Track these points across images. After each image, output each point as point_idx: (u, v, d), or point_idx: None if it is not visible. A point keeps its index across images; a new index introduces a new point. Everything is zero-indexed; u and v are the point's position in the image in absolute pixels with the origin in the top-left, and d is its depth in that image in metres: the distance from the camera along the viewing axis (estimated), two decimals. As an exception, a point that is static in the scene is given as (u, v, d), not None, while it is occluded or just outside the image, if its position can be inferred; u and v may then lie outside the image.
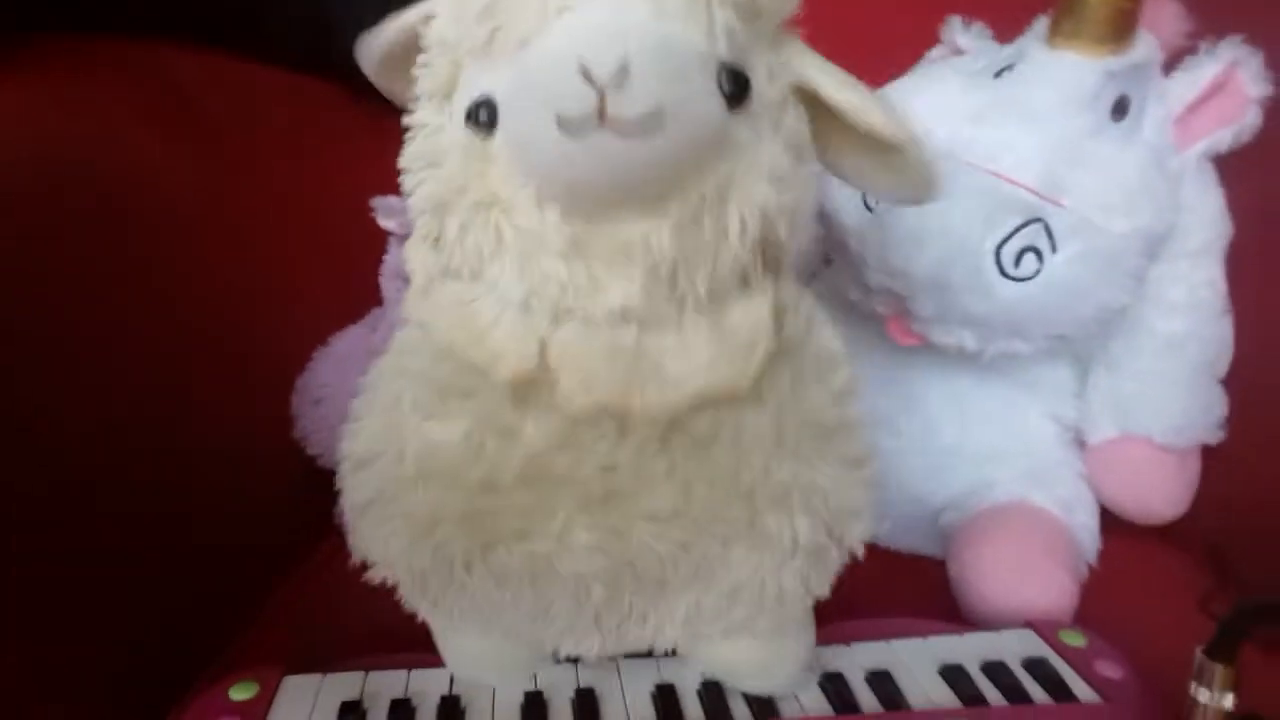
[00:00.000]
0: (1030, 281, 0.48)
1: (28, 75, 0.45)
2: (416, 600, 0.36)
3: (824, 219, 0.52)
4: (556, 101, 0.25)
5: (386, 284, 0.61)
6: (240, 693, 0.37)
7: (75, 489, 0.40)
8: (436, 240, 0.30)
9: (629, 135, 0.25)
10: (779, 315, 0.30)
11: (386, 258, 0.61)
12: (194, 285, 0.51)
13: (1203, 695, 0.33)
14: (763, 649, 0.37)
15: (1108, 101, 0.48)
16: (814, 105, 0.31)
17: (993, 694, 0.38)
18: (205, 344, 0.51)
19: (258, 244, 0.58)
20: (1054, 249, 0.47)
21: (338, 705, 0.36)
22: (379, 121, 0.67)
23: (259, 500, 0.54)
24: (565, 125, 0.25)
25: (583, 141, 0.25)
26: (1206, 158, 0.52)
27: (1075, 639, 0.41)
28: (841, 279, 0.54)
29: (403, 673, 0.39)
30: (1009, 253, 0.47)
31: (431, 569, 0.33)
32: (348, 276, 0.63)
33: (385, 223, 0.58)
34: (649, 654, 0.38)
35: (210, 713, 0.36)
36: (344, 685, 0.38)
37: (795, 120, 0.30)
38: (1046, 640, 0.42)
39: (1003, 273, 0.48)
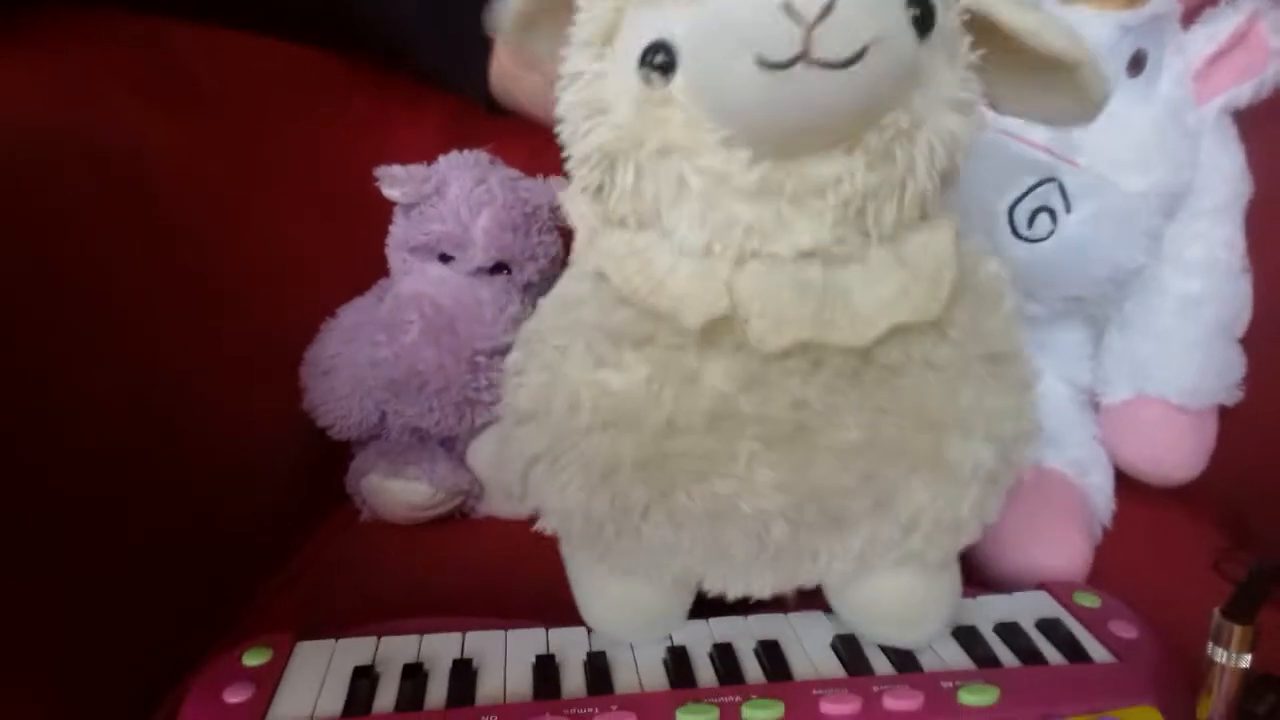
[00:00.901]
0: (1044, 242, 0.47)
1: (25, 49, 0.45)
2: (585, 550, 0.37)
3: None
4: (759, 41, 0.25)
5: (393, 255, 0.61)
6: (253, 658, 0.37)
7: (86, 464, 0.40)
8: (599, 190, 0.30)
9: (833, 70, 0.25)
10: (957, 243, 0.31)
11: (392, 228, 0.60)
12: (198, 260, 0.51)
13: (1220, 655, 0.33)
14: (919, 589, 0.37)
15: (1124, 56, 0.47)
16: (978, 30, 0.30)
17: (1006, 655, 0.38)
18: (211, 318, 0.51)
19: (262, 217, 0.58)
20: (1068, 209, 0.46)
21: (351, 669, 0.36)
22: (381, 91, 0.68)
23: (269, 472, 0.55)
24: (768, 64, 0.25)
25: (786, 80, 0.25)
26: (1226, 113, 0.51)
27: (1089, 600, 0.41)
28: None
29: (415, 638, 0.39)
30: (1022, 213, 0.47)
31: (609, 516, 0.34)
32: (354, 248, 0.63)
33: (390, 192, 0.57)
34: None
35: (224, 678, 0.36)
36: (357, 650, 0.38)
37: (968, 47, 0.30)
38: (1060, 601, 0.41)
39: (1016, 233, 0.47)
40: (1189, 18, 0.50)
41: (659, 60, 0.28)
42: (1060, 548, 0.46)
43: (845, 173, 0.28)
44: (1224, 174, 0.52)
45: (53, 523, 0.38)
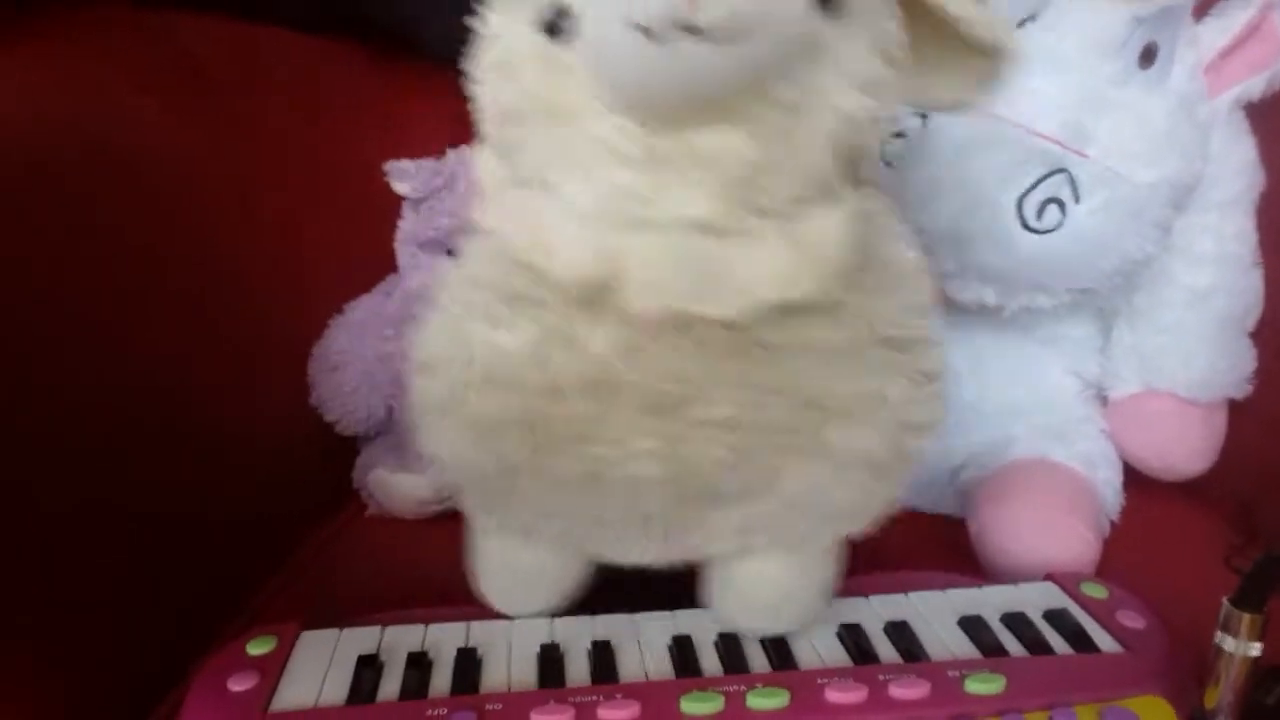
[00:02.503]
0: (1053, 234, 0.47)
1: (30, 41, 0.45)
2: (474, 505, 0.37)
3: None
4: (636, 8, 0.24)
5: (401, 250, 0.61)
6: (257, 647, 0.37)
7: (92, 459, 0.40)
8: (505, 151, 0.31)
9: (712, 42, 0.25)
10: (858, 225, 0.30)
11: (401, 223, 0.61)
12: (205, 255, 0.51)
13: (1228, 644, 0.33)
14: (788, 577, 0.37)
15: (1135, 49, 0.47)
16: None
17: (1013, 645, 0.38)
18: (219, 313, 0.51)
19: (270, 212, 0.58)
20: (1077, 200, 0.46)
21: (355, 658, 0.36)
22: (391, 83, 0.68)
23: (277, 466, 0.55)
24: (645, 32, 0.24)
25: (663, 49, 0.25)
26: (1238, 105, 0.51)
27: (1097, 591, 0.41)
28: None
29: (419, 627, 0.39)
30: (1031, 205, 0.47)
31: (493, 472, 0.34)
32: (362, 243, 0.63)
33: (399, 187, 0.58)
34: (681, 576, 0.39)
35: (228, 667, 0.36)
36: (361, 639, 0.38)
37: (891, 22, 0.30)
38: (1067, 592, 0.41)
39: (1024, 225, 0.47)
40: (1201, 10, 0.50)
41: (558, 22, 0.28)
42: (1068, 540, 0.46)
43: (731, 145, 0.27)
44: (1235, 167, 0.51)
45: (59, 515, 0.38)
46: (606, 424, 0.32)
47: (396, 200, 0.60)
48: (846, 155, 0.29)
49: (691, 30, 0.24)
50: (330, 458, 0.58)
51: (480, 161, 0.33)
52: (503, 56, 0.30)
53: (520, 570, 0.39)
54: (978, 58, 0.31)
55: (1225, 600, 0.33)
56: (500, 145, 0.31)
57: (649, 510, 0.34)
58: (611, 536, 0.36)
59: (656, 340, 0.30)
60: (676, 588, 0.39)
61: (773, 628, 0.38)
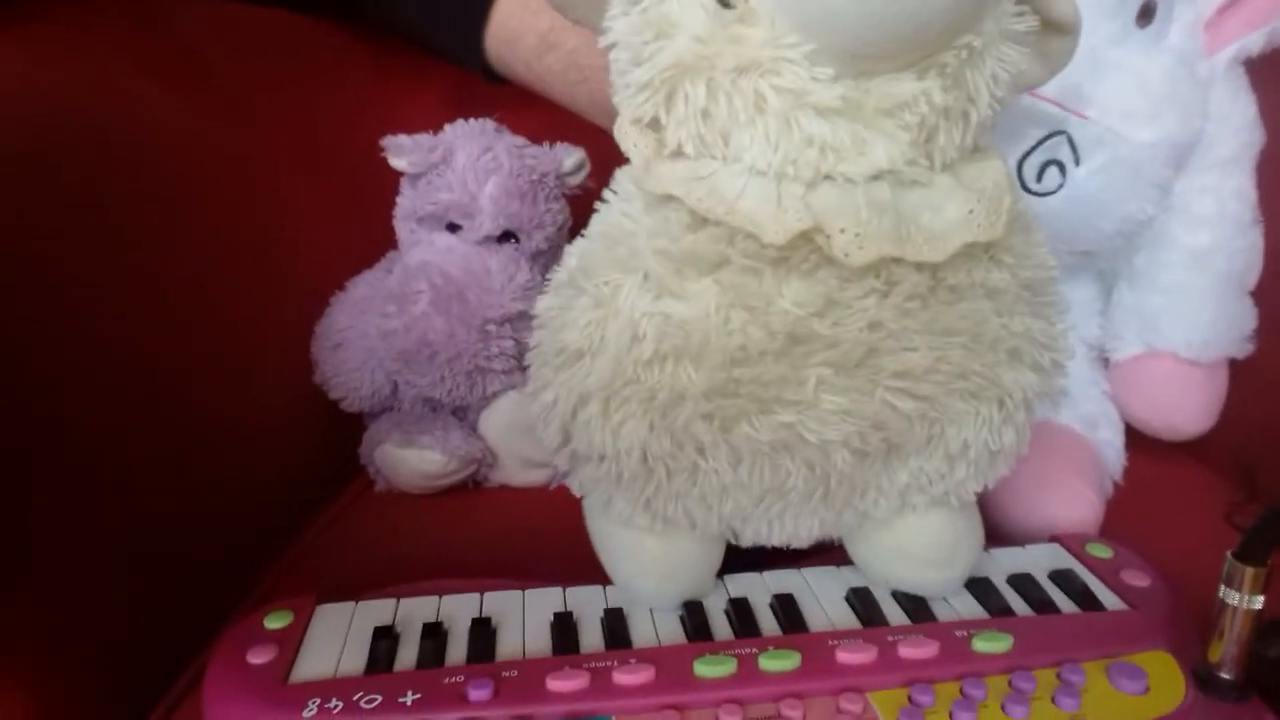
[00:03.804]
0: (1053, 196, 0.47)
1: (27, 25, 0.45)
2: (629, 496, 0.36)
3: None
4: None
5: (400, 225, 0.61)
6: (275, 621, 0.37)
7: (99, 441, 0.40)
8: (654, 120, 0.30)
9: None
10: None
11: (400, 199, 0.60)
12: (206, 235, 0.51)
13: (1232, 598, 0.33)
14: (951, 526, 0.38)
15: (1133, 6, 0.47)
16: None
17: (1019, 605, 0.38)
18: (221, 294, 0.51)
19: (269, 191, 0.58)
20: (1077, 161, 0.46)
21: (371, 630, 0.37)
22: (386, 62, 0.68)
23: (282, 446, 0.55)
24: None
25: None
26: (1237, 62, 0.50)
27: (1102, 551, 0.41)
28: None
29: (434, 598, 0.39)
30: (1031, 167, 0.47)
31: (669, 453, 0.33)
32: (361, 220, 0.63)
33: (396, 162, 0.57)
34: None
35: (247, 640, 0.36)
36: (377, 611, 0.38)
37: None
38: (1072, 553, 0.42)
39: (1024, 188, 0.47)
40: (1200, -33, 0.50)
41: None
42: (1072, 501, 0.47)
43: (923, 92, 0.28)
44: (1235, 125, 0.51)
45: (75, 502, 0.38)
46: (796, 385, 0.32)
47: (394, 176, 0.59)
48: (999, 107, 0.30)
49: None
50: (336, 435, 0.59)
51: (621, 135, 0.32)
52: (658, 15, 0.29)
53: (665, 562, 0.38)
54: (1054, 36, 0.32)
55: (1228, 554, 0.33)
56: (650, 111, 0.30)
57: (836, 474, 0.34)
58: (785, 510, 0.36)
59: (854, 290, 0.31)
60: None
61: (935, 581, 0.39)
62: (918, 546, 0.38)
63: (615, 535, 0.39)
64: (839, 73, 0.28)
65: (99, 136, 0.45)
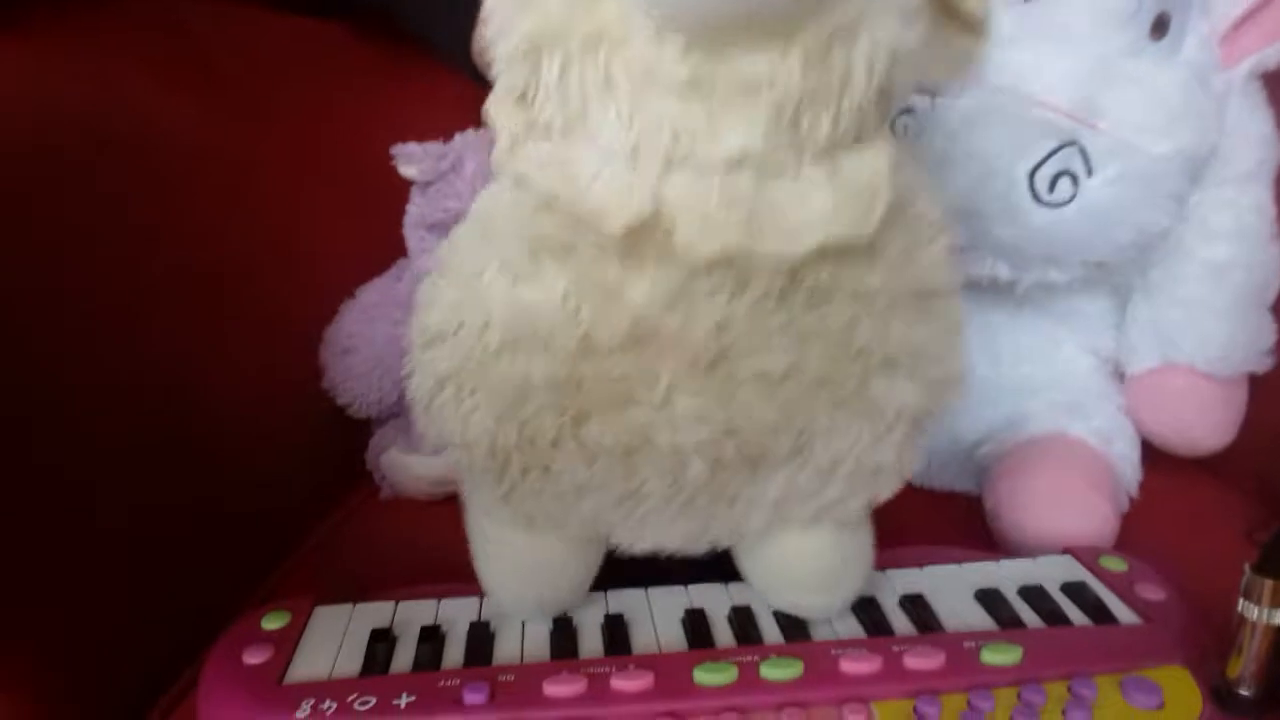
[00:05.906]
0: (1065, 207, 0.46)
1: (37, 28, 0.45)
2: (488, 490, 0.35)
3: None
4: None
5: (410, 234, 0.61)
6: (272, 622, 0.37)
7: (106, 444, 0.40)
8: (522, 96, 0.29)
9: None
10: (894, 168, 0.29)
11: (410, 207, 0.60)
12: (215, 240, 0.51)
13: (1251, 612, 0.32)
14: (836, 548, 0.36)
15: (1146, 19, 0.46)
16: None
17: (1030, 617, 0.37)
18: (230, 299, 0.51)
19: (279, 197, 0.58)
20: (1090, 172, 0.46)
21: (368, 632, 0.37)
22: (397, 69, 0.68)
23: (289, 450, 0.55)
24: None
25: None
26: (1254, 76, 0.50)
27: (1116, 564, 0.41)
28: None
29: (432, 602, 0.39)
30: (1043, 178, 0.46)
31: (517, 446, 0.32)
32: (371, 227, 0.63)
33: (406, 170, 0.58)
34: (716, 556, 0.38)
35: (243, 641, 0.36)
36: (374, 614, 0.38)
37: None
38: (1086, 565, 0.41)
39: (1036, 199, 0.46)
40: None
41: None
42: (1084, 514, 0.46)
43: (781, 71, 0.26)
44: (1252, 139, 0.50)
45: (77, 504, 0.38)
46: (647, 384, 0.30)
47: (405, 184, 0.60)
48: (880, 93, 0.28)
49: None
50: (342, 441, 0.58)
51: (494, 108, 0.30)
52: None
53: (533, 564, 0.37)
54: (964, 35, 0.30)
55: (1248, 567, 0.33)
56: (518, 86, 0.29)
57: (693, 479, 0.32)
58: (647, 517, 0.34)
59: (704, 286, 0.29)
60: (686, 566, 0.38)
61: (829, 601, 0.37)
62: (796, 569, 0.36)
63: (482, 531, 0.38)
64: (691, 44, 0.26)
65: (108, 140, 0.46)
